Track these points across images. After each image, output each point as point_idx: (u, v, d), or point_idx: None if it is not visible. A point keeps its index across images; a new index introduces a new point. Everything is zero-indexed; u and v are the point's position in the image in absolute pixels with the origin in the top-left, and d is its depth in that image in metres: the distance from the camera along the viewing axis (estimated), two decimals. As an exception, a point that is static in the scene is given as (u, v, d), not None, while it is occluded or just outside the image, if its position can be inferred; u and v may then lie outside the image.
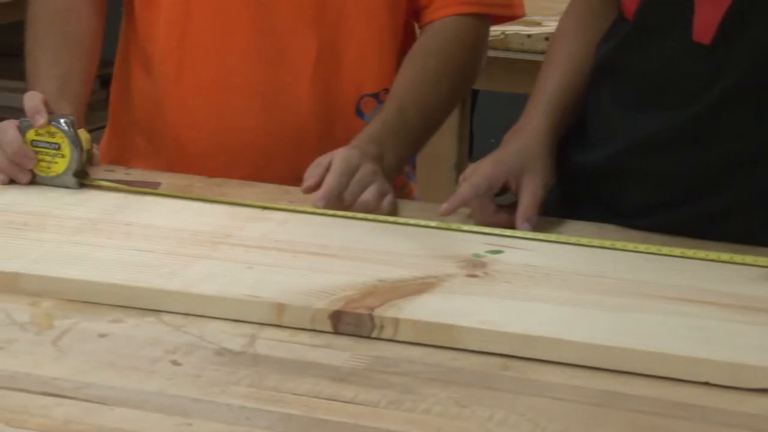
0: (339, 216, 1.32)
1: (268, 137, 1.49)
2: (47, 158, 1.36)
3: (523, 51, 2.21)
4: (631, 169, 1.34)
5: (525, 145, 1.34)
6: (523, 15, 1.58)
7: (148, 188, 1.38)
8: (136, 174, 1.45)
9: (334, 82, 1.49)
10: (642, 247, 1.26)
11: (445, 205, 1.29)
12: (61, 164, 1.36)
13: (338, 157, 1.34)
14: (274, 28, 1.47)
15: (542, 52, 2.17)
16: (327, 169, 1.34)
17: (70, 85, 1.46)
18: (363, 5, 1.48)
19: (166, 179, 1.43)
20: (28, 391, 0.96)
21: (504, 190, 1.34)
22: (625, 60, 1.34)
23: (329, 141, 1.49)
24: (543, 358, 1.04)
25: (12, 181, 1.37)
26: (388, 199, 1.35)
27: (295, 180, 1.40)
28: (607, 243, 1.27)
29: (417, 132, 1.49)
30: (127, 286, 1.12)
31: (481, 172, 1.31)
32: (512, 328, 1.07)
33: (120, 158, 1.53)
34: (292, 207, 1.34)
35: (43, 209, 1.30)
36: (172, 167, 1.48)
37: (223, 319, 1.09)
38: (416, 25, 1.56)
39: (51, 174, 1.36)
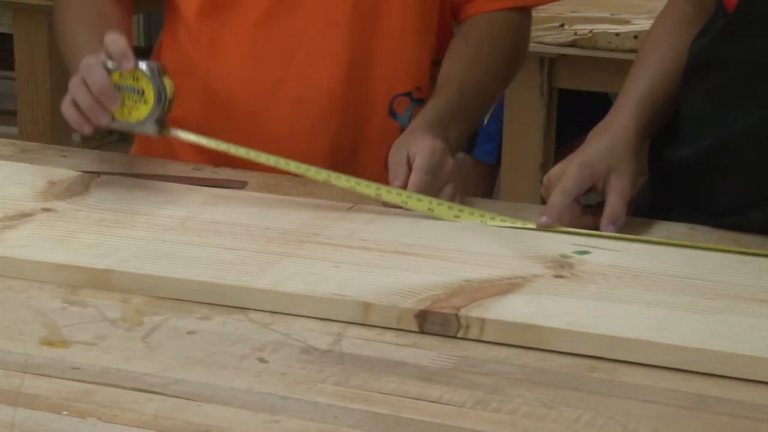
0: (425, 215, 1.31)
1: (302, 141, 1.47)
2: (129, 103, 1.30)
3: (611, 50, 2.19)
4: (723, 165, 1.32)
5: (610, 145, 1.32)
6: None
7: (236, 187, 1.39)
8: (224, 173, 1.46)
9: (366, 82, 1.48)
10: (734, 248, 1.24)
11: (544, 218, 1.28)
12: (142, 110, 1.31)
13: (423, 153, 1.33)
14: (307, 29, 1.46)
15: (631, 51, 2.14)
16: (410, 165, 1.34)
17: None
18: (396, 3, 1.46)
19: (253, 178, 1.44)
20: (118, 387, 0.97)
21: (589, 190, 1.32)
22: (721, 53, 1.32)
23: (362, 142, 1.48)
24: (631, 360, 1.03)
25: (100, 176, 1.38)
26: (458, 199, 1.34)
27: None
28: (698, 244, 1.25)
29: (473, 114, 1.49)
30: (216, 284, 1.13)
31: (570, 176, 1.30)
32: (600, 329, 1.06)
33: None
34: (381, 192, 1.33)
35: (133, 207, 1.32)
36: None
37: (310, 317, 1.10)
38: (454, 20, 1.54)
39: (131, 120, 1.31)
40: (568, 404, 0.96)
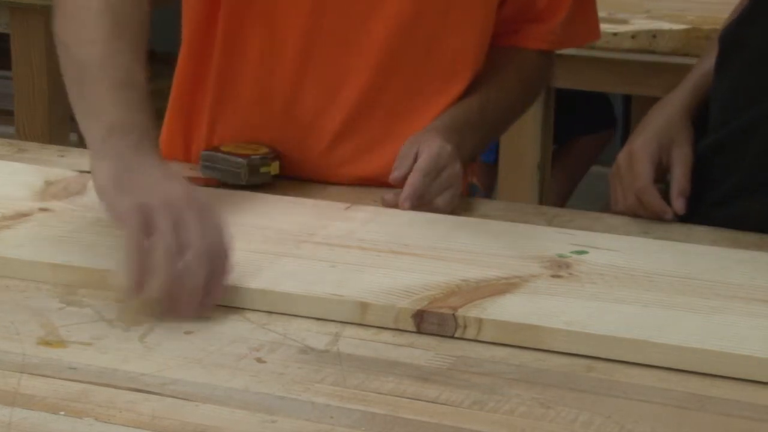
0: (424, 215, 1.31)
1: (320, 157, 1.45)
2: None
3: (608, 50, 2.19)
4: (738, 148, 1.34)
5: (667, 119, 1.38)
6: (593, 40, 1.57)
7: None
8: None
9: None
10: (731, 248, 1.24)
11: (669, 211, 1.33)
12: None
13: (427, 154, 1.33)
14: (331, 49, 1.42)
15: (629, 50, 2.14)
16: (415, 161, 1.34)
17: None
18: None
19: (251, 178, 1.44)
20: (115, 387, 0.97)
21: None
22: (743, 36, 1.34)
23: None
24: (629, 360, 1.03)
25: None
26: (455, 204, 1.34)
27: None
28: (695, 244, 1.25)
29: (489, 132, 1.50)
30: (213, 284, 1.13)
31: (637, 156, 1.35)
32: (597, 329, 1.06)
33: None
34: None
35: (130, 207, 1.32)
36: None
37: (307, 317, 1.10)
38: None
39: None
40: (565, 404, 0.96)
